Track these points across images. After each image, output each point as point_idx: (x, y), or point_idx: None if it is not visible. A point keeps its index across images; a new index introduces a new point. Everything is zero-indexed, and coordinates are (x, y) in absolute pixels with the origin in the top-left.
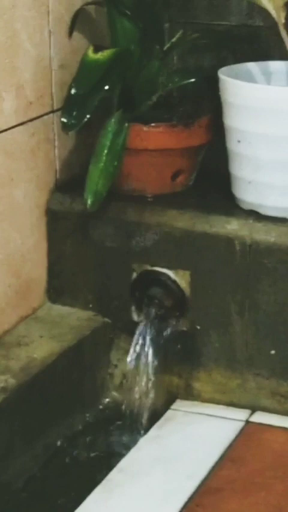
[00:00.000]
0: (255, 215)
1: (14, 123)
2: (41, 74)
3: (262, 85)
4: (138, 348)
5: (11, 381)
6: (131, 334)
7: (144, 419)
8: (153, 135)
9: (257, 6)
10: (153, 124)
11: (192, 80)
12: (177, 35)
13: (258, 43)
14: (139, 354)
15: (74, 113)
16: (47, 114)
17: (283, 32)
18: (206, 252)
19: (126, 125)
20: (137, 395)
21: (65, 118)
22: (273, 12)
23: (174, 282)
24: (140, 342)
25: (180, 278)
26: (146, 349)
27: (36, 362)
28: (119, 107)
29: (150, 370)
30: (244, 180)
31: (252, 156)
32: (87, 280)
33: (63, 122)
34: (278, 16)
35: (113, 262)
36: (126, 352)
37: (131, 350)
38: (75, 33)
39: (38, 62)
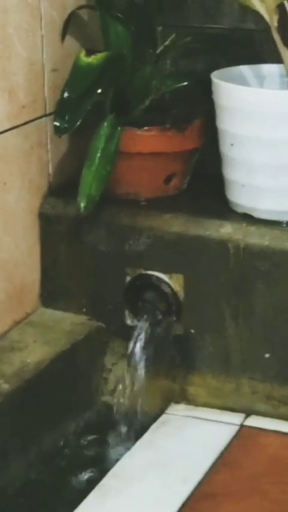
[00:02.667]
0: (249, 218)
1: (7, 127)
2: (33, 77)
3: (255, 88)
4: (132, 352)
5: (4, 386)
6: (125, 338)
7: (139, 424)
8: (146, 139)
9: (250, 10)
10: (146, 128)
11: (185, 83)
12: (170, 39)
13: (251, 46)
14: (133, 358)
15: (67, 117)
16: (39, 118)
17: (276, 35)
18: (199, 256)
19: (119, 128)
20: (131, 400)
21: (58, 122)
22: (265, 16)
23: (168, 285)
24: (134, 346)
25: (174, 282)
26: (140, 353)
27: (29, 367)
28: (111, 110)
29: (145, 374)
30: (238, 183)
31: (245, 160)
32: (81, 285)
33: (56, 126)
34: (271, 19)
35: (107, 266)
36: (121, 356)
37: (126, 354)
38: (67, 37)
39: (30, 66)
